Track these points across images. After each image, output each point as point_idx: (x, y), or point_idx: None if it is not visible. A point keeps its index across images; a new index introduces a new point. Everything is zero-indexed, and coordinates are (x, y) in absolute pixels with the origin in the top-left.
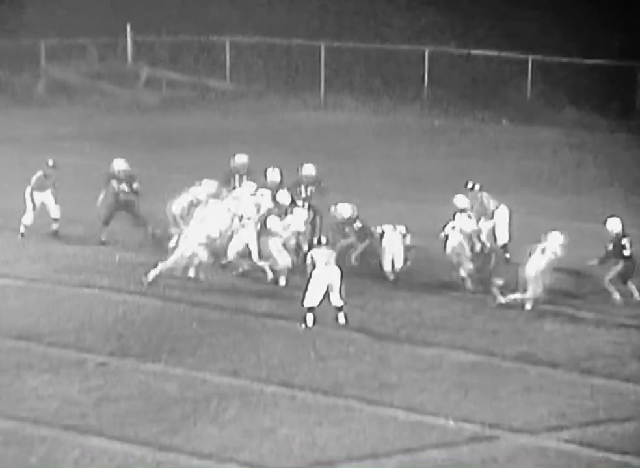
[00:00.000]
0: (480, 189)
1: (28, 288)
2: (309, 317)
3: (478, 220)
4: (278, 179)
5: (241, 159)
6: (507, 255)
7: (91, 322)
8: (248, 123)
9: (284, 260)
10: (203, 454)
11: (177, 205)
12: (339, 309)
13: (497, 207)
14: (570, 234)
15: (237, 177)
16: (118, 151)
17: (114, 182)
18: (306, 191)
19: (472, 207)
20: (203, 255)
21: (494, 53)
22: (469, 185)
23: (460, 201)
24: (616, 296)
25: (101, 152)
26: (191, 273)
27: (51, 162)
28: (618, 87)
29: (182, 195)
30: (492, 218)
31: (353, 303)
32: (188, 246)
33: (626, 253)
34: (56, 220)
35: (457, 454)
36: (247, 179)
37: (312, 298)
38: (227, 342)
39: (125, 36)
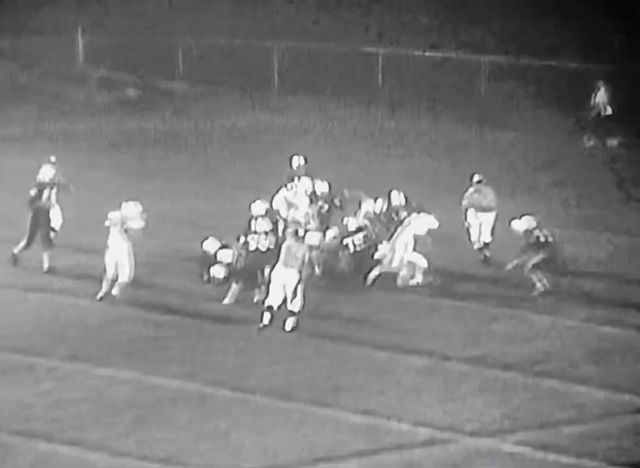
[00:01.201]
0: (485, 183)
1: None
2: (266, 316)
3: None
4: (327, 189)
5: (299, 161)
6: (487, 254)
7: (43, 326)
8: (201, 124)
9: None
10: (157, 458)
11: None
12: (290, 313)
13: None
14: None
15: (296, 179)
16: (69, 152)
17: (39, 191)
18: (398, 216)
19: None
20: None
21: (449, 55)
22: (477, 178)
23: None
24: (539, 286)
25: (51, 154)
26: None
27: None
28: (573, 89)
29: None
30: (491, 211)
31: (307, 307)
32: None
33: (542, 239)
34: (54, 230)
35: (412, 458)
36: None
37: (271, 297)
38: (181, 345)
39: (77, 36)
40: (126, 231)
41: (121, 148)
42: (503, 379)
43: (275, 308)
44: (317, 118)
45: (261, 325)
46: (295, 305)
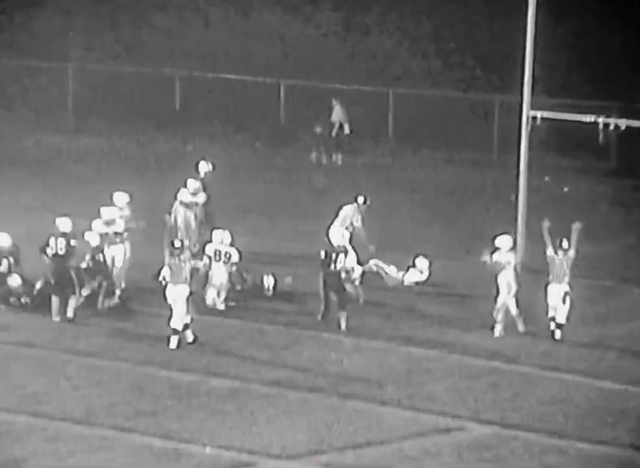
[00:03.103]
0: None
1: None
2: (173, 340)
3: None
4: None
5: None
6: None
7: None
8: None
9: None
10: None
11: None
12: (184, 327)
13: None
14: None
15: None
16: None
17: None
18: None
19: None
20: None
21: (246, 78)
22: (368, 201)
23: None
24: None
25: None
26: None
27: None
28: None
29: None
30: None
31: (111, 327)
32: None
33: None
34: None
35: None
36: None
37: (174, 320)
38: None
39: None
40: None
41: None
42: (309, 401)
43: (180, 330)
44: (115, 141)
45: (171, 347)
46: (184, 318)
